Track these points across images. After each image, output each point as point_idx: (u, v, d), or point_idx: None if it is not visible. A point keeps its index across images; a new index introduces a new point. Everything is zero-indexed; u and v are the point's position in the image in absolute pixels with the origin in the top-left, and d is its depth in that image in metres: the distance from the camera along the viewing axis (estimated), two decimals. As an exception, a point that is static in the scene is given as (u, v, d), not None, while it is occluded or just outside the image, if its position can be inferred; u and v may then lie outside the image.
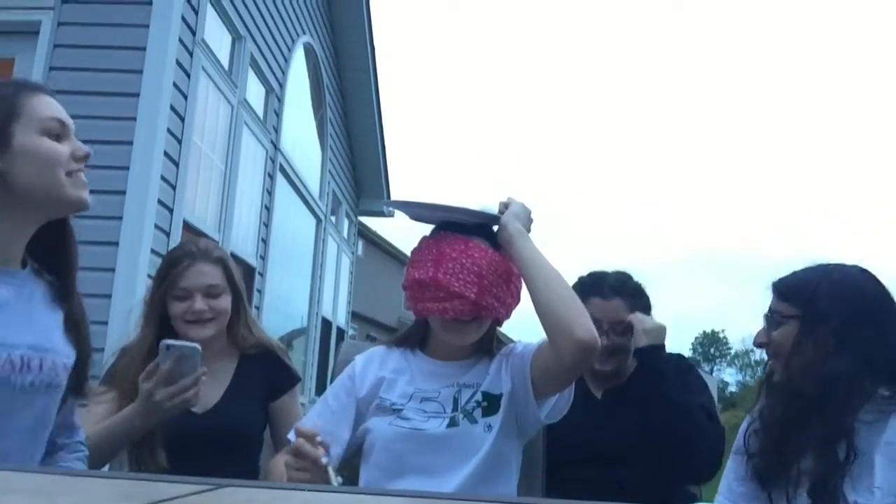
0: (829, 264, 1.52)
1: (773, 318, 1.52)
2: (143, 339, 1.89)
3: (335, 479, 1.33)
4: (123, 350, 1.95)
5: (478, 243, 1.53)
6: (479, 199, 1.59)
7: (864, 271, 1.49)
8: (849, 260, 1.52)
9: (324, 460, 1.29)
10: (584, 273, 2.07)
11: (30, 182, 1.21)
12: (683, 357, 2.18)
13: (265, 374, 1.96)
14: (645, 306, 2.05)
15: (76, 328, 1.32)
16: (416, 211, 1.65)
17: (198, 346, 1.60)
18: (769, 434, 1.50)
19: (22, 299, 1.24)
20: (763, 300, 1.58)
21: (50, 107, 1.30)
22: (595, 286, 2.01)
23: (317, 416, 1.62)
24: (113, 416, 1.67)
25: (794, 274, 1.54)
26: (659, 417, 1.88)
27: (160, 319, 1.89)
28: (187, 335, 1.86)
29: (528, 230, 1.57)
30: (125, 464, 1.90)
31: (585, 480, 1.86)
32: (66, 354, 1.30)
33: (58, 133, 1.28)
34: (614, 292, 2.00)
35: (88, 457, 1.49)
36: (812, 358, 1.43)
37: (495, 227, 1.59)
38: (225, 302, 1.91)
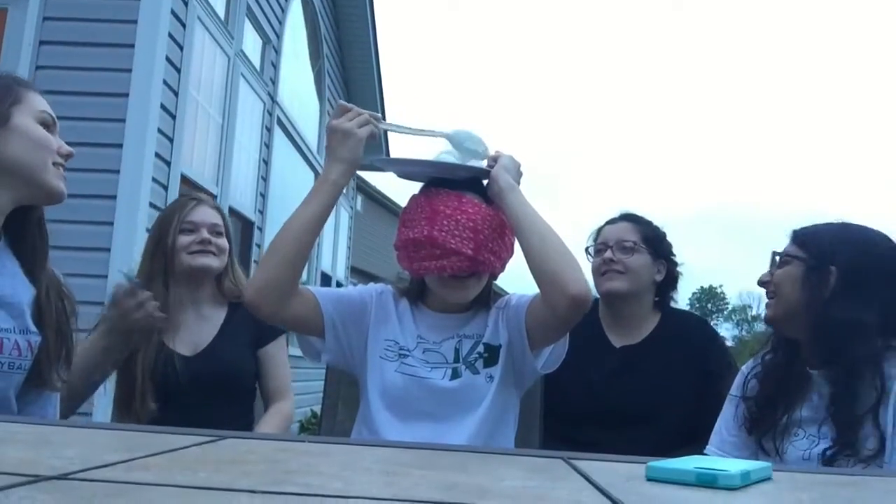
0: (855, 224, 1.53)
1: (777, 258, 1.54)
2: (149, 270, 1.93)
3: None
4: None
5: (471, 198, 1.52)
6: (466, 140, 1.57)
7: (889, 237, 1.50)
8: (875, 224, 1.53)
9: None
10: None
11: (18, 158, 1.27)
12: (707, 324, 2.19)
13: (253, 322, 1.96)
14: (656, 237, 2.08)
15: (41, 313, 1.32)
16: (405, 168, 1.64)
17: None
18: (768, 379, 1.52)
19: None
20: (759, 253, 1.60)
21: (43, 102, 1.35)
22: (608, 219, 2.13)
23: (340, 290, 1.66)
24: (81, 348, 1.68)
25: (816, 225, 1.56)
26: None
27: (166, 255, 1.94)
28: (192, 265, 1.93)
29: (518, 183, 1.56)
30: (114, 412, 1.92)
31: (596, 443, 1.77)
32: (31, 333, 1.29)
33: (49, 126, 1.34)
34: (622, 218, 2.12)
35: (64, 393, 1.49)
36: (808, 300, 1.44)
37: (485, 181, 1.57)
38: (225, 242, 2.01)
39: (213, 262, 1.96)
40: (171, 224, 1.96)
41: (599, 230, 2.12)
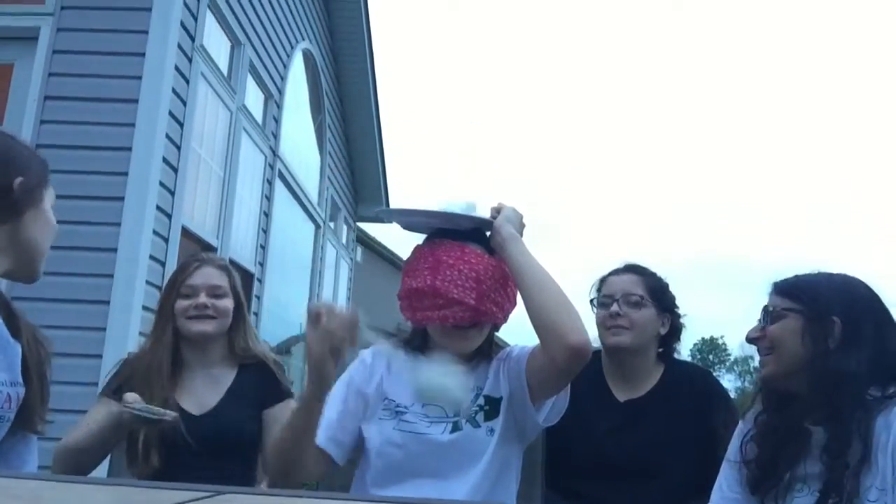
0: (836, 273, 1.53)
1: (770, 312, 1.50)
2: (158, 338, 1.97)
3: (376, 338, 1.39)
4: (126, 361, 2.01)
5: (473, 249, 1.53)
6: (467, 196, 1.59)
7: (862, 280, 1.51)
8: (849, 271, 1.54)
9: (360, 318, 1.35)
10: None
11: (37, 241, 1.31)
12: (710, 376, 2.12)
13: (260, 384, 2.01)
14: (661, 289, 2.05)
15: (26, 364, 1.35)
16: (409, 219, 1.65)
17: (166, 415, 1.67)
18: (766, 441, 1.49)
19: None
20: (760, 303, 1.58)
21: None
22: (612, 270, 2.10)
23: (331, 410, 1.59)
24: (97, 422, 1.75)
25: (796, 276, 1.54)
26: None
27: (172, 320, 1.97)
28: (189, 330, 1.94)
29: (521, 234, 1.57)
30: (122, 464, 1.93)
31: (599, 497, 1.78)
32: (19, 386, 1.32)
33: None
34: (627, 270, 2.08)
35: (78, 454, 1.61)
36: (813, 353, 1.41)
37: (488, 233, 1.59)
38: (227, 304, 1.99)
39: (208, 328, 1.95)
40: (173, 288, 1.98)
41: (603, 281, 2.09)
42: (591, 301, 2.08)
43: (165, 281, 2.09)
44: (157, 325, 2.00)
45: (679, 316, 2.08)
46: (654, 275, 2.08)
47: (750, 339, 1.54)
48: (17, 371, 1.32)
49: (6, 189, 1.25)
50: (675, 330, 2.07)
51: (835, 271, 1.53)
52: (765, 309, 1.52)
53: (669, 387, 2.00)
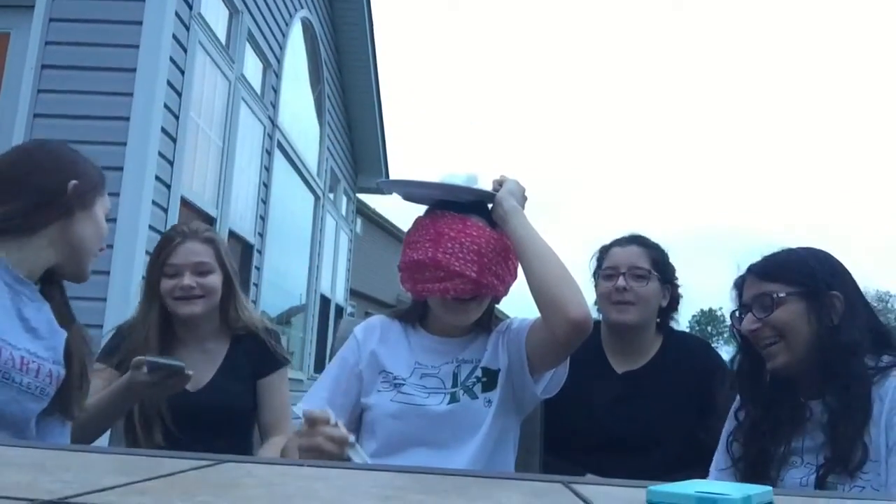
0: (802, 247, 1.51)
1: (764, 300, 1.45)
2: (144, 315, 1.93)
3: (364, 456, 1.34)
4: (120, 329, 1.98)
5: (475, 221, 1.52)
6: (468, 168, 1.57)
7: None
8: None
9: (351, 438, 1.31)
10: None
11: (84, 240, 1.45)
12: (709, 348, 2.10)
13: (254, 355, 2.00)
14: (664, 261, 2.02)
15: (70, 352, 1.43)
16: (410, 190, 1.64)
17: (183, 364, 1.63)
18: (752, 436, 1.48)
19: (33, 310, 1.39)
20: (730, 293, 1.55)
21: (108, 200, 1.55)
22: (615, 240, 2.05)
23: (322, 389, 1.61)
24: (102, 393, 1.71)
25: (772, 257, 1.50)
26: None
27: (159, 297, 1.93)
28: (176, 311, 1.91)
29: (523, 207, 1.56)
30: (122, 440, 1.93)
31: (598, 469, 1.76)
32: (60, 366, 1.40)
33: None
34: (632, 241, 2.03)
35: (79, 428, 1.58)
36: (818, 331, 1.40)
37: (490, 205, 1.58)
38: (214, 280, 1.94)
39: (196, 309, 1.90)
40: (156, 267, 1.93)
41: (606, 251, 2.04)
42: (595, 273, 2.04)
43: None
44: (143, 301, 1.96)
45: (678, 287, 2.07)
46: (657, 246, 2.04)
47: (747, 332, 1.47)
48: (61, 353, 1.39)
49: (61, 191, 1.40)
50: (674, 301, 2.06)
51: (794, 246, 1.51)
52: (760, 297, 1.46)
53: (668, 358, 2.00)
